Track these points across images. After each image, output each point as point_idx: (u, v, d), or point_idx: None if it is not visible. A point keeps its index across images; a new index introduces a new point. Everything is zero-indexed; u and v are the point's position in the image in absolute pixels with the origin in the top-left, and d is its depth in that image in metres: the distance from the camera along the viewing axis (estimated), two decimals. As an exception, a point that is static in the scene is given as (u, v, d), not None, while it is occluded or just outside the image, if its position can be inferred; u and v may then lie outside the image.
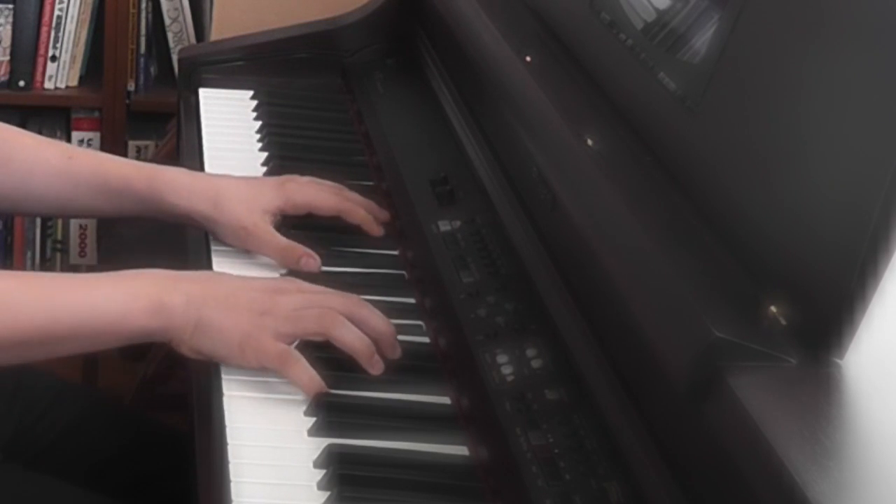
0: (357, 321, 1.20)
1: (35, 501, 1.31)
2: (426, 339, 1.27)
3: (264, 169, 1.57)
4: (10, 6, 2.56)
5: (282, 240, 1.37)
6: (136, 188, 1.39)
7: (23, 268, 2.68)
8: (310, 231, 1.42)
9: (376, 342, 1.20)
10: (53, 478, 1.34)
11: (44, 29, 2.57)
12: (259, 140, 1.64)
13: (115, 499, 1.35)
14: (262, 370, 1.17)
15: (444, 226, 1.39)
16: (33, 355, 1.19)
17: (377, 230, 1.44)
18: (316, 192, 1.42)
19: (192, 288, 1.19)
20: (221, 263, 1.36)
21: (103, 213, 1.46)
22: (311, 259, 1.35)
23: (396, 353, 1.21)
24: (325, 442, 1.11)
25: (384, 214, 1.46)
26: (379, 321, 1.21)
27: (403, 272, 1.39)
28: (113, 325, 1.17)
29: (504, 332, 1.21)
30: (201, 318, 1.17)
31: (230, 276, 1.25)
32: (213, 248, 1.39)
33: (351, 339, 1.18)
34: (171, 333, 1.18)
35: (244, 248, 1.38)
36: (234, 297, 1.19)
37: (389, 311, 1.30)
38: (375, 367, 1.19)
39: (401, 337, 1.26)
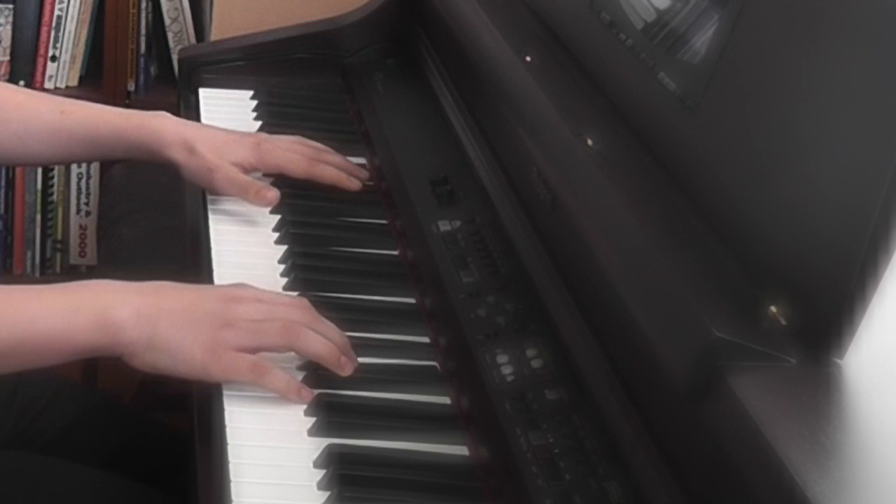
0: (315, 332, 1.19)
1: (46, 483, 1.31)
2: (426, 339, 1.27)
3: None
4: (10, 6, 2.56)
5: (242, 177, 1.46)
6: (126, 138, 1.48)
7: (23, 268, 2.68)
8: (310, 230, 1.43)
9: None
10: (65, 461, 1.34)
11: (44, 29, 2.57)
12: (259, 140, 1.64)
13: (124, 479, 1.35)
14: (228, 383, 1.16)
15: (444, 226, 1.39)
16: None
17: (352, 185, 1.51)
18: (288, 157, 1.50)
19: (142, 301, 1.16)
20: (221, 266, 1.37)
21: (95, 160, 1.54)
22: (268, 191, 1.44)
23: (354, 364, 1.19)
24: (325, 442, 1.11)
25: (363, 173, 1.53)
26: (334, 333, 1.20)
27: (403, 272, 1.39)
28: (55, 339, 1.15)
29: (504, 332, 1.21)
30: (156, 334, 1.15)
31: (182, 286, 1.21)
32: (213, 246, 1.40)
33: (316, 347, 1.17)
34: (120, 349, 1.15)
35: (210, 189, 1.46)
36: (190, 310, 1.16)
37: (390, 311, 1.31)
38: (346, 368, 1.18)
39: (400, 336, 1.26)
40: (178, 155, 1.46)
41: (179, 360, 1.15)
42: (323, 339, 1.18)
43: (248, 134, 1.55)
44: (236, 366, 1.15)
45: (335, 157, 1.53)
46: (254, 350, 1.16)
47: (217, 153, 1.46)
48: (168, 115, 1.51)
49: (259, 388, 1.15)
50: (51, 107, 1.48)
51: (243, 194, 1.44)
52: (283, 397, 1.15)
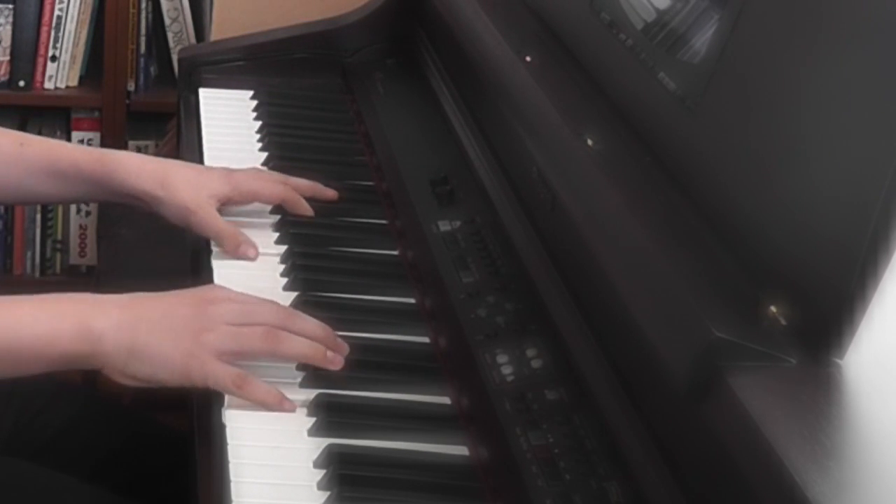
0: (294, 332, 1.18)
1: (38, 493, 1.31)
2: (426, 339, 1.27)
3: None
4: (10, 6, 2.56)
5: (224, 223, 1.39)
6: (85, 170, 1.42)
7: (23, 268, 2.68)
8: (310, 230, 1.42)
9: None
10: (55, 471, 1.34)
11: (44, 29, 2.57)
12: (259, 140, 1.64)
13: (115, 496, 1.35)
14: (207, 389, 1.15)
15: (444, 226, 1.39)
16: None
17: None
18: (261, 183, 1.45)
19: (121, 313, 1.16)
20: (221, 267, 1.37)
21: (57, 198, 1.49)
22: (249, 247, 1.37)
23: (345, 351, 1.20)
24: (325, 442, 1.11)
25: (330, 193, 1.48)
26: (315, 328, 1.19)
27: (403, 272, 1.39)
28: (38, 347, 1.15)
29: (504, 332, 1.21)
30: (135, 343, 1.15)
31: (158, 295, 1.20)
32: (213, 247, 1.40)
33: (299, 350, 1.17)
34: (101, 359, 1.15)
35: (184, 228, 1.41)
36: (168, 318, 1.16)
37: (390, 311, 1.31)
38: (335, 363, 1.18)
39: (400, 336, 1.26)
40: (149, 186, 1.40)
41: (160, 367, 1.15)
42: (305, 340, 1.17)
43: (216, 167, 1.50)
44: (218, 375, 1.15)
45: (301, 182, 1.48)
46: (236, 354, 1.16)
47: (193, 188, 1.41)
48: (132, 153, 1.47)
49: (241, 399, 1.14)
50: (10, 139, 1.45)
51: (220, 241, 1.38)
52: (266, 408, 1.14)
